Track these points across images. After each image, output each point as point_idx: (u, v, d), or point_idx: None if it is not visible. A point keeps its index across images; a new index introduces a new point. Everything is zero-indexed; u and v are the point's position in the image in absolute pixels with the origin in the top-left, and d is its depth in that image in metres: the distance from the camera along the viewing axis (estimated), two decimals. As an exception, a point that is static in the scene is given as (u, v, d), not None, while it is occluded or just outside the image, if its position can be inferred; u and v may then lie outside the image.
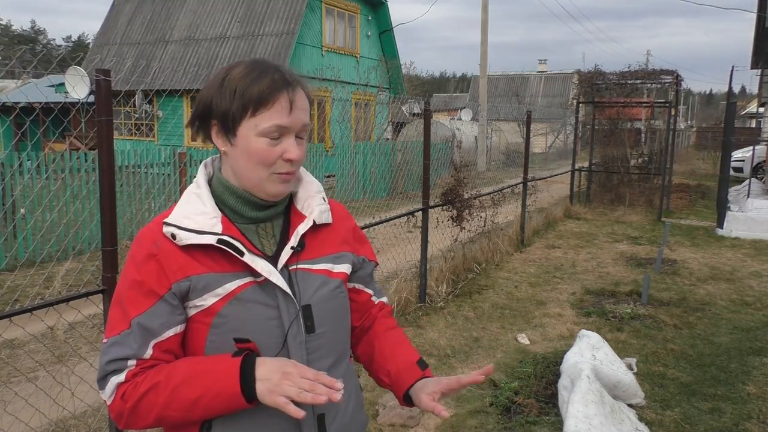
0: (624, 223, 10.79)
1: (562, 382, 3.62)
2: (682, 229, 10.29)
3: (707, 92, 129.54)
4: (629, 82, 12.31)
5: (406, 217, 5.87)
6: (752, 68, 15.57)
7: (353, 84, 17.58)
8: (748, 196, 11.73)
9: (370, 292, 1.48)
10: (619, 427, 3.28)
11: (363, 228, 4.72)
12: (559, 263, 7.68)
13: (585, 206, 12.25)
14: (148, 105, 17.55)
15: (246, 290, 1.19)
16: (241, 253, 1.18)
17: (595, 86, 12.55)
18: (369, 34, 19.71)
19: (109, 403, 1.17)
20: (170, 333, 1.18)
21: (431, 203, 5.95)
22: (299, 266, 1.26)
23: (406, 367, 1.37)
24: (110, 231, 2.64)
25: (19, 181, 7.67)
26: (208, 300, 1.18)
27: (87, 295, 2.74)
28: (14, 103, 15.50)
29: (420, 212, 5.86)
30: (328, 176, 14.05)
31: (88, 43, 59.14)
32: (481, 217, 7.26)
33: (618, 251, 8.43)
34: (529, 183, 9.02)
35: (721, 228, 9.84)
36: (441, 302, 5.90)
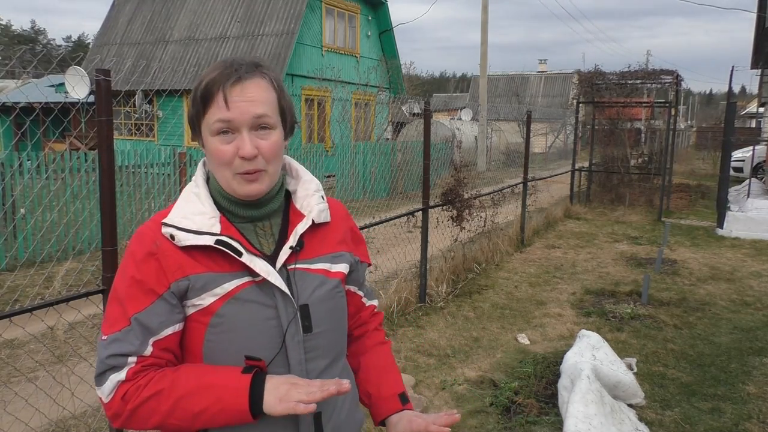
0: (624, 223, 10.79)
1: (562, 382, 3.62)
2: (682, 229, 10.28)
3: (707, 92, 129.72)
4: (629, 82, 12.31)
5: (406, 217, 5.87)
6: (752, 68, 15.57)
7: (353, 84, 17.57)
8: (748, 196, 11.72)
9: (362, 294, 1.48)
10: (619, 427, 3.28)
11: (363, 228, 4.73)
12: (559, 263, 7.68)
13: (585, 206, 12.25)
14: (148, 105, 17.55)
15: (244, 290, 1.19)
16: (239, 254, 1.18)
17: (595, 86, 12.55)
18: (369, 34, 19.71)
19: (106, 401, 1.16)
20: (169, 331, 1.18)
21: (431, 203, 5.94)
22: (297, 266, 1.25)
23: (388, 396, 1.41)
24: (110, 231, 2.64)
25: (19, 181, 7.67)
26: (207, 299, 1.18)
27: (87, 295, 2.74)
28: (14, 103, 15.50)
29: (420, 212, 5.86)
30: (328, 176, 14.05)
31: (88, 43, 59.16)
32: (481, 217, 7.26)
33: (618, 251, 8.43)
34: (529, 183, 9.01)
35: (721, 228, 9.84)
36: (441, 302, 5.90)
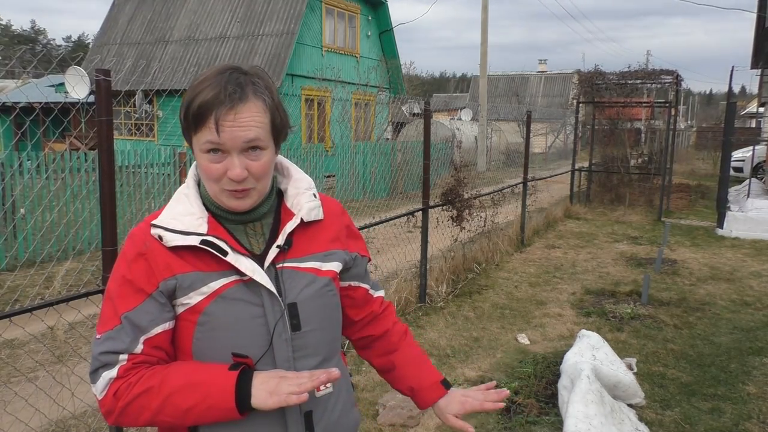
0: (624, 223, 10.79)
1: (562, 382, 3.62)
2: (682, 229, 10.29)
3: (707, 92, 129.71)
4: (629, 82, 12.31)
5: (406, 217, 5.87)
6: (752, 68, 15.56)
7: (353, 84, 17.56)
8: (748, 196, 11.72)
9: (367, 286, 1.48)
10: (619, 427, 3.28)
11: (363, 228, 4.73)
12: (559, 263, 7.68)
13: (585, 206, 12.25)
14: (148, 105, 17.54)
15: (230, 288, 1.20)
16: (225, 253, 1.20)
17: (595, 86, 12.55)
18: (369, 34, 19.71)
19: (99, 398, 1.19)
20: (159, 330, 1.20)
21: (431, 203, 5.94)
22: (286, 264, 1.26)
23: (429, 385, 1.49)
24: (110, 231, 2.64)
25: (19, 181, 7.67)
26: (194, 298, 1.20)
27: (87, 295, 2.74)
28: (14, 103, 15.50)
29: (420, 212, 5.86)
30: (328, 176, 14.04)
31: (88, 43, 59.14)
32: (481, 217, 7.26)
33: (618, 251, 8.43)
34: (529, 183, 9.02)
35: (721, 228, 9.84)
36: (441, 302, 5.90)
